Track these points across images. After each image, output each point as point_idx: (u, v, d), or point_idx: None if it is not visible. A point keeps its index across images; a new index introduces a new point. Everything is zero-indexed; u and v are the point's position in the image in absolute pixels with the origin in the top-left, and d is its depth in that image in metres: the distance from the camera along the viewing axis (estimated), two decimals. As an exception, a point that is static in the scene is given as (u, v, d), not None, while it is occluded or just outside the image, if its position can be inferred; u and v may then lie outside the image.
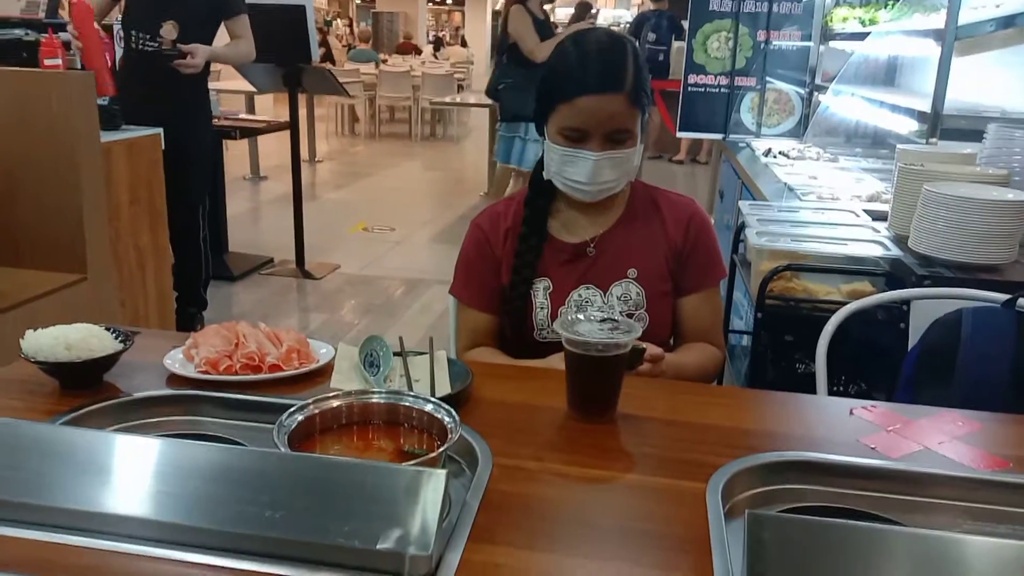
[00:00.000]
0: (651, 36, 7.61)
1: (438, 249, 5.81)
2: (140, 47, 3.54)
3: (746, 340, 2.92)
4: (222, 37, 3.86)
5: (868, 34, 3.38)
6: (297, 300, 4.64)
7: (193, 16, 3.59)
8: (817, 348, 1.61)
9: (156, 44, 3.53)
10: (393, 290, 4.81)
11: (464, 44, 19.43)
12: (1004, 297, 1.53)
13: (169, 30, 3.53)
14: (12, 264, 2.84)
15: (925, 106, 2.73)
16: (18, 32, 3.97)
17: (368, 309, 4.47)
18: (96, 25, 3.35)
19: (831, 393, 1.70)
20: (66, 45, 3.24)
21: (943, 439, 1.13)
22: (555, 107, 1.48)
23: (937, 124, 2.66)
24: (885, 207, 2.48)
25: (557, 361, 1.43)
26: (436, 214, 6.86)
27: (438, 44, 18.24)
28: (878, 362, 2.11)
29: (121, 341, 1.24)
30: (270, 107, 10.29)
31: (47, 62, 3.00)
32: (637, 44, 1.55)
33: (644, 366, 1.34)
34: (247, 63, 4.02)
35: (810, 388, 1.71)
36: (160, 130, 3.54)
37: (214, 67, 9.13)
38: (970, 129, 2.61)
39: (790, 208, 2.65)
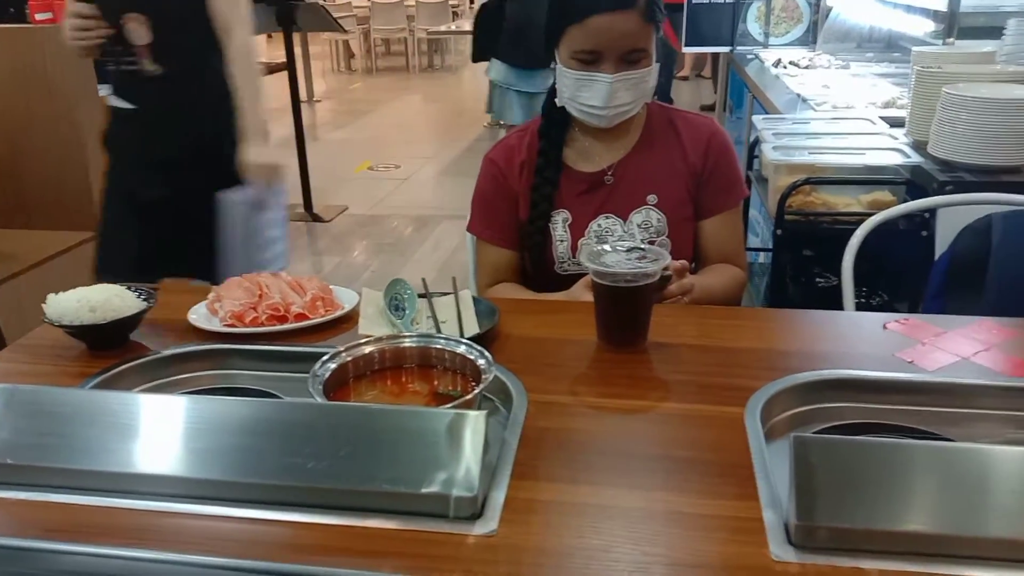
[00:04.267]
0: None
1: (445, 183, 5.76)
2: (119, 68, 2.10)
3: (763, 257, 2.90)
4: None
5: (878, -68, 3.25)
6: (308, 244, 4.63)
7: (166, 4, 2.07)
8: (843, 263, 1.59)
9: (130, 61, 2.05)
10: (403, 228, 4.79)
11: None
12: (1035, 199, 1.50)
13: (136, 29, 2.03)
14: (24, 226, 2.83)
15: (941, 4, 2.65)
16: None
17: (380, 249, 4.45)
18: None
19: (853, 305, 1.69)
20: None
21: (979, 348, 1.12)
22: (565, 30, 1.43)
23: (954, 23, 2.58)
24: (902, 113, 2.42)
25: (580, 292, 1.42)
26: (440, 148, 6.78)
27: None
28: (900, 272, 2.09)
29: (144, 299, 1.23)
30: (263, 48, 10.09)
31: (38, 16, 2.93)
32: None
33: (673, 286, 1.32)
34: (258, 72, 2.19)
35: (832, 303, 1.69)
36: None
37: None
38: (989, 26, 2.53)
39: (804, 120, 2.60)
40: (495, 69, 4.17)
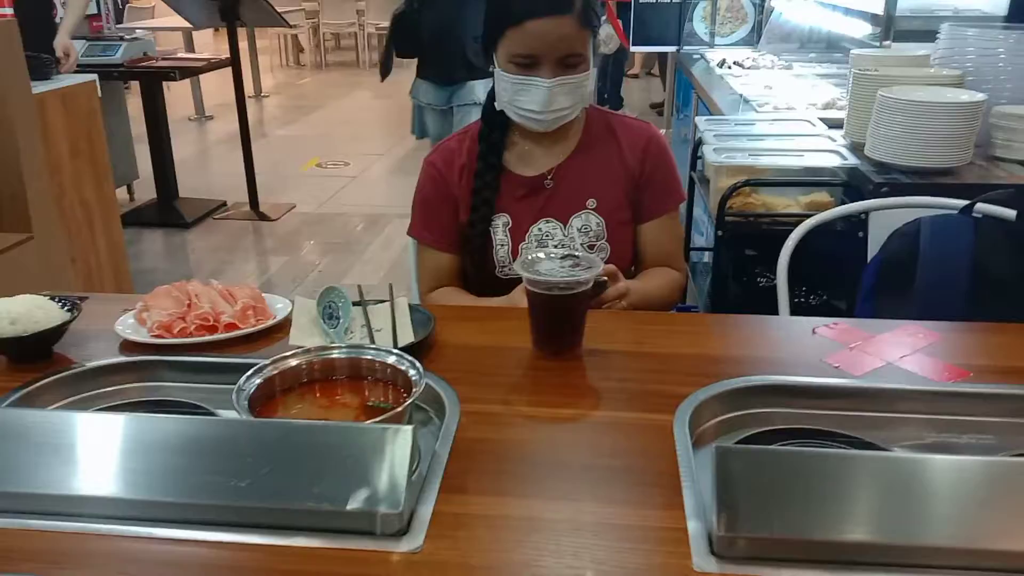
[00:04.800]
0: None
1: (395, 181, 5.71)
2: None
3: (708, 257, 2.92)
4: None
5: (818, -65, 3.30)
6: (254, 243, 4.55)
7: None
8: (778, 266, 1.61)
9: None
10: (352, 227, 4.74)
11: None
12: (961, 203, 1.53)
13: None
14: (-48, 229, 2.73)
15: (878, 7, 2.70)
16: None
17: (328, 248, 4.40)
18: None
19: (793, 305, 1.72)
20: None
21: (905, 352, 1.14)
22: (504, 33, 1.43)
23: (890, 26, 2.63)
24: (841, 114, 2.47)
25: (519, 297, 1.42)
26: (390, 145, 6.72)
27: (380, -35, 17.56)
28: (838, 272, 2.13)
29: (68, 310, 1.20)
30: (210, 42, 9.89)
31: (-36, 11, 2.84)
32: None
33: (609, 290, 1.33)
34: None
35: (773, 302, 1.72)
36: (95, 77, 3.40)
37: (146, 4, 8.74)
38: (924, 30, 2.58)
39: (746, 121, 2.63)
40: (420, 90, 3.60)
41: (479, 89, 3.35)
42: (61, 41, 3.57)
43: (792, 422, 1.04)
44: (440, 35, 3.37)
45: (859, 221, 1.97)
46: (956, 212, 1.52)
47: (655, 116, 6.92)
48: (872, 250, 1.65)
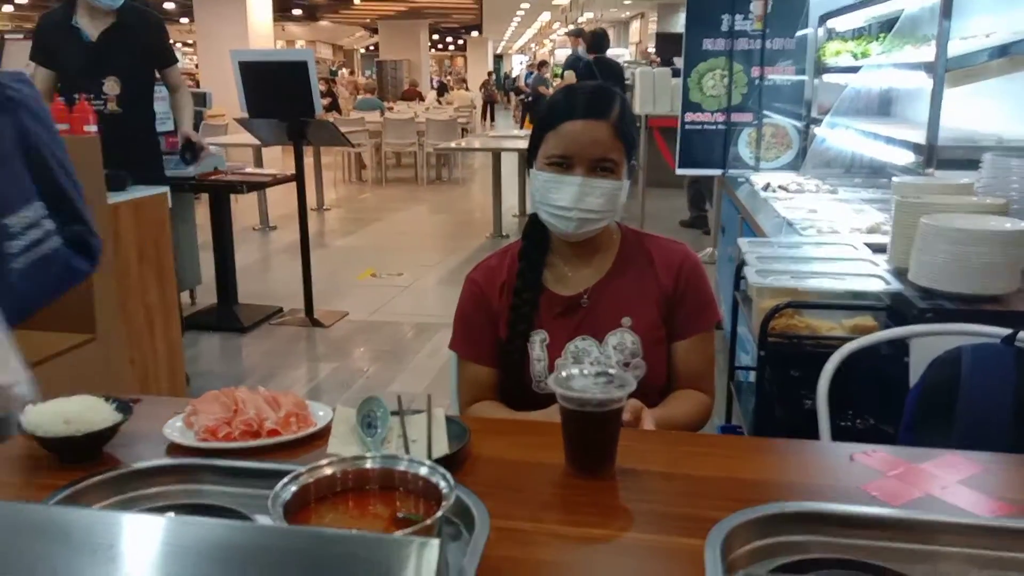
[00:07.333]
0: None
1: (446, 292, 5.83)
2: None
3: (753, 376, 2.90)
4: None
5: (861, 67, 3.40)
6: (306, 349, 4.66)
7: (132, 69, 3.65)
8: (818, 391, 1.60)
9: (101, 102, 3.57)
10: (402, 335, 4.82)
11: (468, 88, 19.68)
12: (1004, 332, 1.52)
13: (112, 86, 3.59)
14: (21, 327, 2.86)
15: (920, 137, 2.75)
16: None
17: (377, 356, 4.47)
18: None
19: (839, 428, 1.69)
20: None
21: (946, 484, 1.12)
22: (543, 138, 1.52)
23: (932, 155, 2.67)
24: (885, 239, 2.48)
25: (555, 412, 1.43)
26: (443, 257, 6.89)
27: (442, 89, 18.48)
28: (885, 396, 2.10)
29: (121, 411, 1.25)
30: (279, 156, 10.41)
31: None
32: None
33: (625, 415, 1.34)
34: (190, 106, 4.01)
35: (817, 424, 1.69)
36: (167, 189, 3.60)
37: (221, 122, 9.29)
38: (967, 159, 2.62)
39: (789, 244, 2.66)
40: None
41: None
42: (185, 134, 3.92)
43: (828, 551, 1.02)
44: None
45: (905, 345, 1.96)
46: (998, 341, 1.50)
47: (702, 235, 7.00)
48: (913, 377, 1.63)
